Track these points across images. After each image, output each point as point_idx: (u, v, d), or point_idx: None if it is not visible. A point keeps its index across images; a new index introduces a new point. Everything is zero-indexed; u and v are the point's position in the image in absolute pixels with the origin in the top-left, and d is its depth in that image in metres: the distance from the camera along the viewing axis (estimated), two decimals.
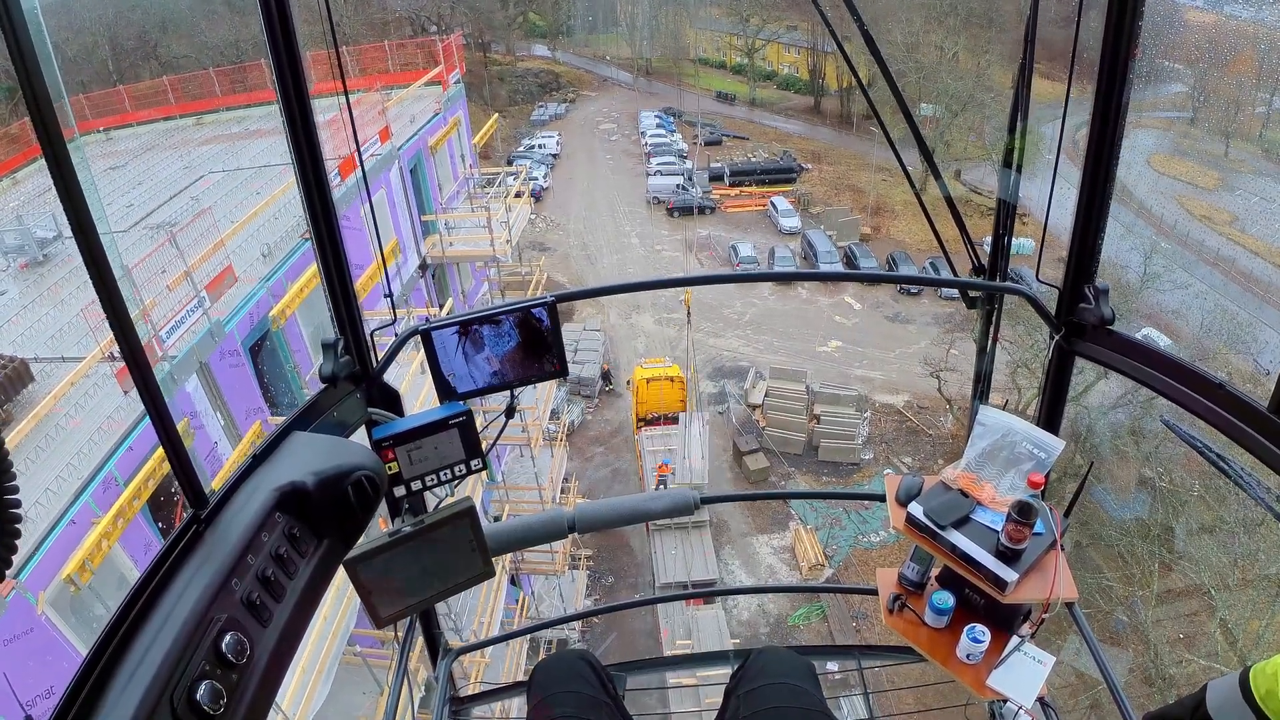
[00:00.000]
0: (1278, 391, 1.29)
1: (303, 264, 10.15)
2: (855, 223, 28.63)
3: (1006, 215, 1.87)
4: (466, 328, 1.50)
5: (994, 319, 2.03)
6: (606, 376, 23.08)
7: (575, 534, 2.03)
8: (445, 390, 1.53)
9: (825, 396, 20.42)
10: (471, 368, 1.53)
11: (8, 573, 0.81)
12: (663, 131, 37.69)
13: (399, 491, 1.48)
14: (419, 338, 1.52)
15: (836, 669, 3.91)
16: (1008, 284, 1.90)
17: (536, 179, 15.25)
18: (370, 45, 17.17)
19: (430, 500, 1.58)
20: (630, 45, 46.31)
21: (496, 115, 17.72)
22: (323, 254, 1.51)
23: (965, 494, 1.86)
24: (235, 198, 11.46)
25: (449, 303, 13.65)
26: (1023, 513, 1.68)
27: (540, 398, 14.79)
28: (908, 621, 1.99)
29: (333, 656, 8.05)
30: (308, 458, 1.28)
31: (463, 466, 1.53)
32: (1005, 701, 1.84)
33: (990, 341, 2.06)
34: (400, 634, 2.25)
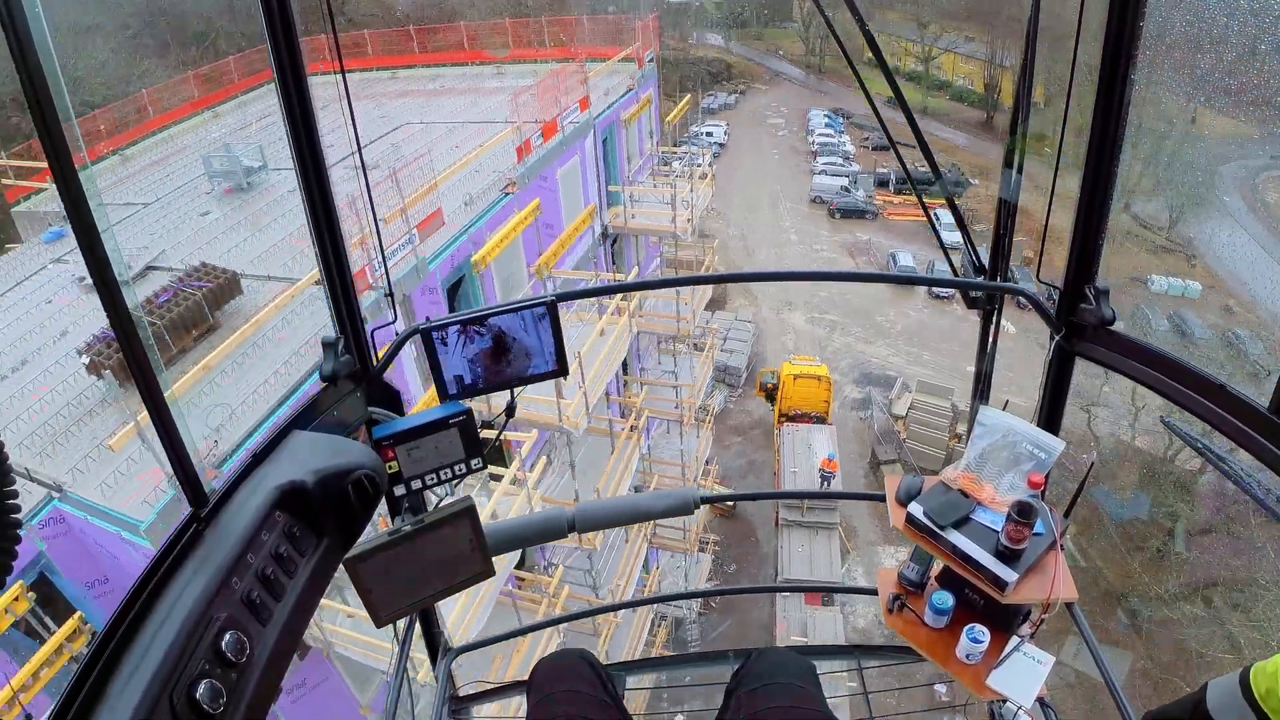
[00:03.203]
0: (1278, 391, 1.29)
1: (500, 217, 10.83)
2: (1018, 245, 27.41)
3: (1007, 215, 1.87)
4: (466, 327, 1.50)
5: (994, 319, 2.03)
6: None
7: (576, 533, 2.03)
8: (445, 390, 1.54)
9: (969, 417, 19.83)
10: (471, 367, 1.53)
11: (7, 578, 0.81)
12: (830, 131, 37.10)
13: (399, 490, 1.48)
14: (419, 337, 1.52)
15: (836, 669, 3.91)
16: (1008, 284, 1.89)
17: (701, 165, 15.94)
18: (568, 18, 17.83)
19: (430, 499, 1.58)
20: (804, 41, 45.70)
21: (689, 96, 18.11)
22: (323, 252, 1.51)
23: (965, 494, 1.86)
24: (435, 149, 11.82)
25: (634, 271, 14.89)
26: (1022, 513, 1.68)
27: (698, 376, 15.34)
28: (907, 621, 1.99)
29: (494, 590, 8.70)
30: (308, 457, 1.28)
31: (463, 466, 1.53)
32: (1005, 702, 1.84)
33: (990, 342, 2.06)
34: (400, 633, 2.25)
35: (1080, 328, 1.72)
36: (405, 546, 1.48)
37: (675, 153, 17.18)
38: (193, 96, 17.03)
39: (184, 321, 8.57)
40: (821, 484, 16.60)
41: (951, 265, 2.08)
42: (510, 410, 1.64)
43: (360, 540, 1.39)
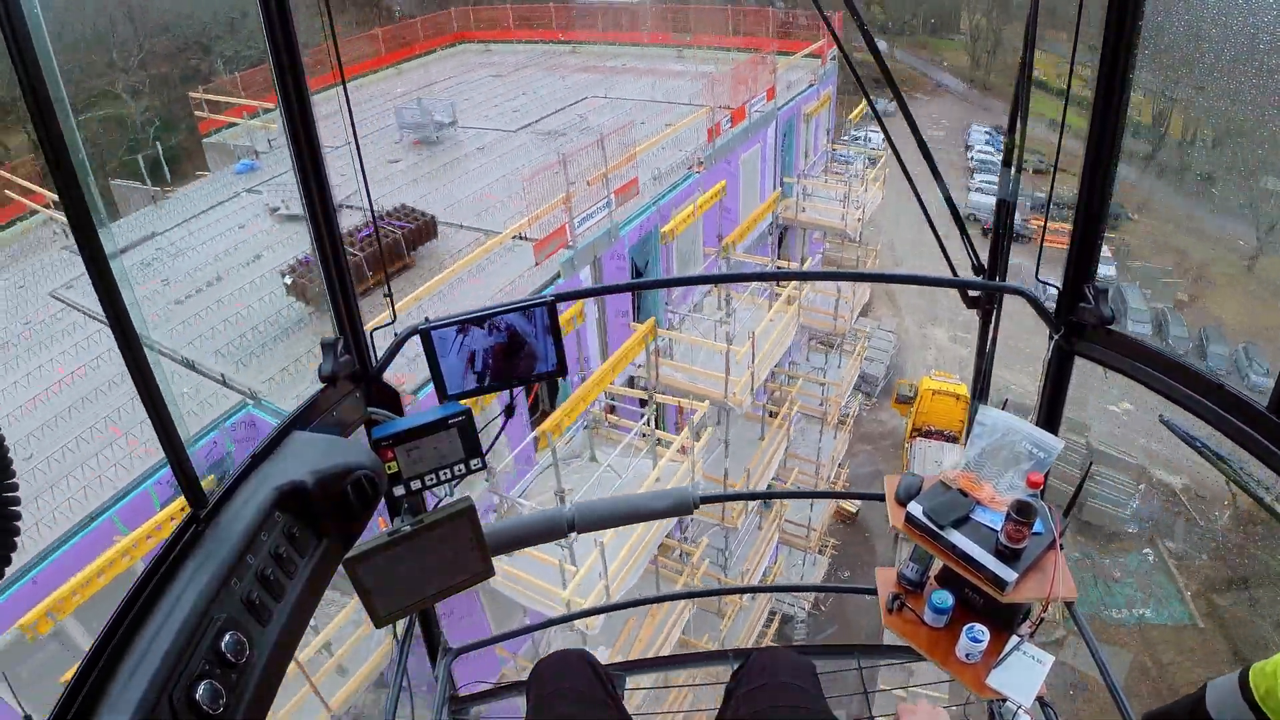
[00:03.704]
0: (1277, 391, 1.29)
1: (685, 194, 11.29)
2: (1172, 287, 26.83)
3: (1006, 215, 1.87)
4: (466, 327, 1.50)
5: (993, 319, 2.03)
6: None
7: (575, 533, 2.03)
8: (444, 390, 1.53)
9: (1103, 456, 19.51)
10: (471, 367, 1.53)
11: (7, 571, 0.81)
12: (991, 149, 35.60)
13: (398, 491, 1.48)
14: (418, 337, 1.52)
15: (836, 669, 3.91)
16: (1008, 284, 1.90)
17: (875, 168, 16.19)
18: (753, 9, 18.29)
19: (430, 499, 1.58)
20: (969, 54, 44.43)
21: (865, 100, 18.28)
22: (322, 252, 1.51)
23: (965, 493, 1.87)
24: (619, 123, 12.16)
25: (807, 261, 15.41)
26: (1022, 512, 1.68)
27: (845, 377, 15.61)
28: (907, 621, 1.99)
29: (647, 554, 9.03)
30: (307, 457, 1.28)
31: (462, 466, 1.53)
32: (1004, 701, 1.84)
33: (990, 342, 2.06)
34: (399, 633, 2.25)
35: (1080, 327, 1.72)
36: (405, 547, 1.48)
37: (852, 151, 17.32)
38: (379, 53, 18.38)
39: (380, 257, 9.12)
40: None
41: (951, 265, 2.08)
42: (510, 410, 1.64)
43: (360, 540, 1.39)
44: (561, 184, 9.08)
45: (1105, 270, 26.85)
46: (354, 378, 1.61)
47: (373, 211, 1.66)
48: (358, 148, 1.52)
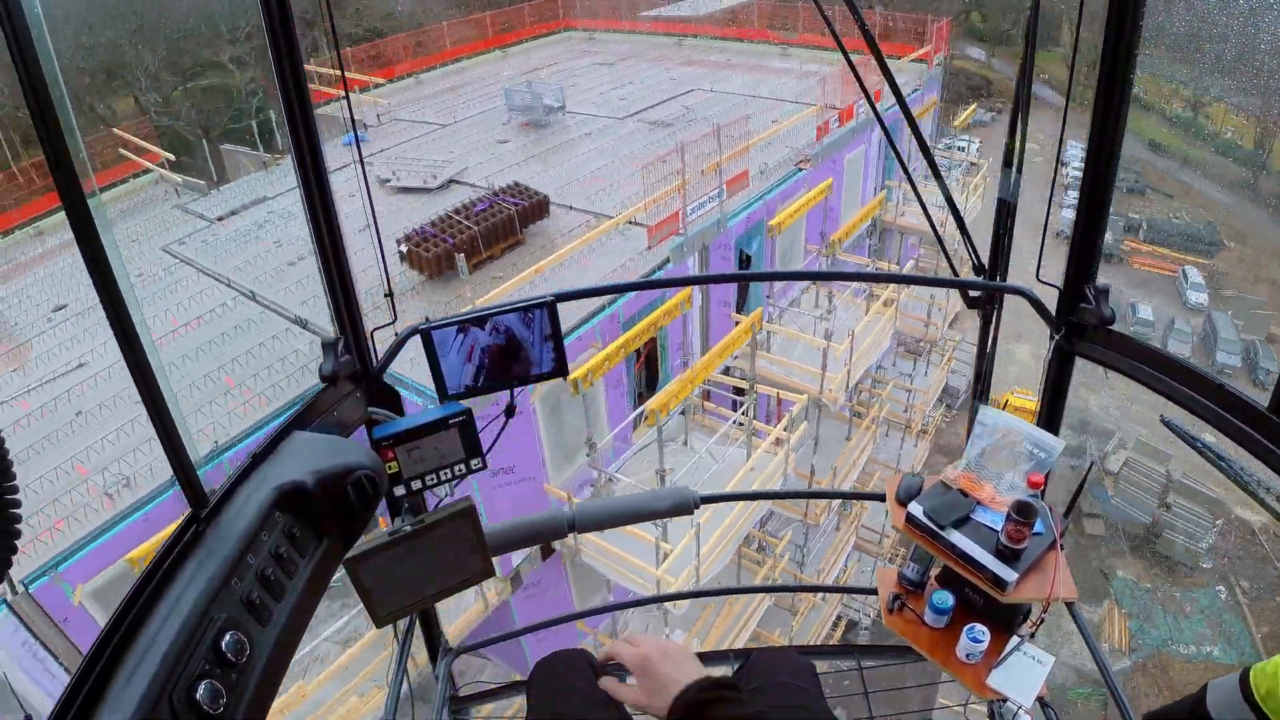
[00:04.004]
0: (1277, 391, 1.29)
1: (791, 190, 11.49)
2: (1265, 319, 25.90)
3: (1007, 215, 1.87)
4: (466, 327, 1.50)
5: (994, 319, 2.03)
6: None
7: (575, 533, 2.03)
8: (444, 390, 1.53)
9: (1182, 488, 19.20)
10: (471, 367, 1.53)
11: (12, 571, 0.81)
12: None
13: (399, 491, 1.48)
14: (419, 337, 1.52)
15: (836, 669, 3.92)
16: (1008, 284, 1.89)
17: (976, 177, 16.26)
18: (865, 10, 18.24)
19: (430, 499, 1.58)
20: (1068, 68, 43.14)
21: (974, 105, 18.33)
22: (322, 251, 1.51)
23: (965, 493, 1.86)
24: (724, 116, 12.36)
25: (908, 265, 15.35)
26: (1022, 512, 1.68)
27: (932, 385, 15.62)
28: (907, 621, 1.99)
29: (736, 539, 9.28)
30: (307, 457, 1.28)
31: (462, 466, 1.53)
32: (1005, 701, 1.84)
33: (990, 342, 2.06)
34: (399, 633, 2.25)
35: (1080, 327, 1.72)
36: (405, 546, 1.48)
37: (955, 159, 17.35)
38: (485, 35, 19.24)
39: (496, 232, 9.60)
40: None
41: (951, 265, 2.08)
42: (510, 411, 1.64)
43: (360, 540, 1.39)
44: (677, 171, 9.43)
45: (1197, 297, 26.32)
46: (354, 378, 1.61)
47: (372, 216, 1.66)
48: (357, 145, 1.52)
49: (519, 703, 2.12)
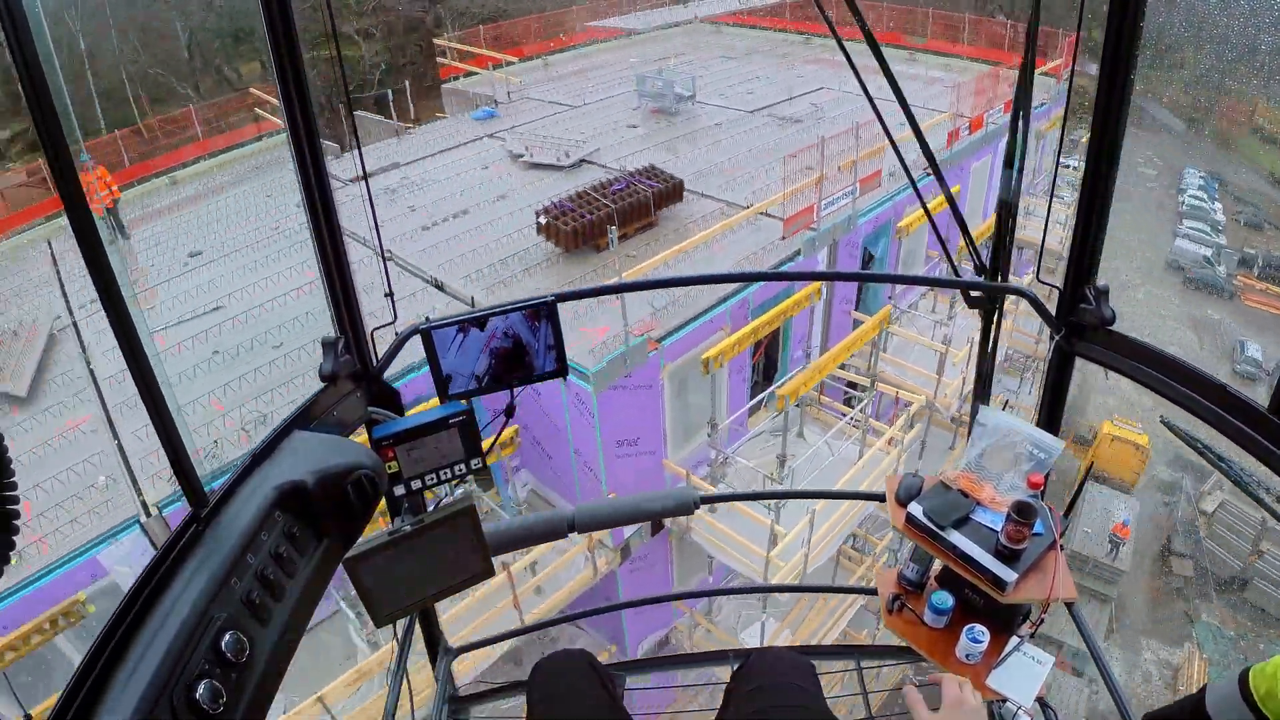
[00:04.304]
0: (1277, 392, 1.29)
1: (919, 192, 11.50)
2: None
3: (1007, 215, 1.87)
4: (466, 327, 1.50)
5: (995, 320, 2.03)
6: None
7: (575, 533, 2.03)
8: (444, 389, 1.53)
9: (1277, 536, 18.69)
10: (471, 367, 1.53)
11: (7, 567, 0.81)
12: (1204, 195, 32.96)
13: (399, 491, 1.48)
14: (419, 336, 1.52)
15: (836, 669, 3.91)
16: (1008, 284, 1.89)
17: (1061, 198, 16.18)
18: (988, 20, 18.35)
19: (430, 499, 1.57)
20: (1186, 92, 41.87)
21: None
22: (322, 251, 1.51)
23: (965, 494, 1.86)
24: (854, 118, 12.48)
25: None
26: (1022, 513, 1.68)
27: (1034, 404, 15.07)
28: (907, 621, 1.99)
29: (845, 531, 9.50)
30: (307, 457, 1.28)
31: (463, 466, 1.53)
32: (1004, 702, 1.84)
33: (991, 342, 2.06)
34: (399, 633, 2.25)
35: (1080, 328, 1.72)
36: (405, 546, 1.48)
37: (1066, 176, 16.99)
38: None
39: (632, 212, 9.92)
40: (1111, 549, 15.88)
41: (952, 265, 2.08)
42: (509, 411, 1.64)
43: (360, 540, 1.39)
44: (815, 166, 9.64)
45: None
46: (355, 377, 1.61)
47: (373, 216, 1.65)
48: (355, 136, 1.51)
49: (519, 703, 2.12)
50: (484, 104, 15.62)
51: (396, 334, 1.64)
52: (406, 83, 19.25)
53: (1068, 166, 15.33)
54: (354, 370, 1.60)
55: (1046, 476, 1.79)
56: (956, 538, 1.79)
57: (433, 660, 2.40)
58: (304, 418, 1.41)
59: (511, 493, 9.12)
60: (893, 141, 1.83)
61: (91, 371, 8.61)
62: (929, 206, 1.82)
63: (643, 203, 9.98)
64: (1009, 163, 1.77)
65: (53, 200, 14.27)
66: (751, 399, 10.13)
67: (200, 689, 0.89)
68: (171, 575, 1.01)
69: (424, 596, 1.56)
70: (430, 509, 1.54)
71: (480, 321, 1.50)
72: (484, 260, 9.77)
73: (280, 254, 10.48)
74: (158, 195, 13.57)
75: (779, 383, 9.98)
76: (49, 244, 12.21)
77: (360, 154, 1.52)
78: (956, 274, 1.98)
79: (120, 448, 7.35)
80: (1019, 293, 1.82)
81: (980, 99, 12.84)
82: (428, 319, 1.51)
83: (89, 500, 6.97)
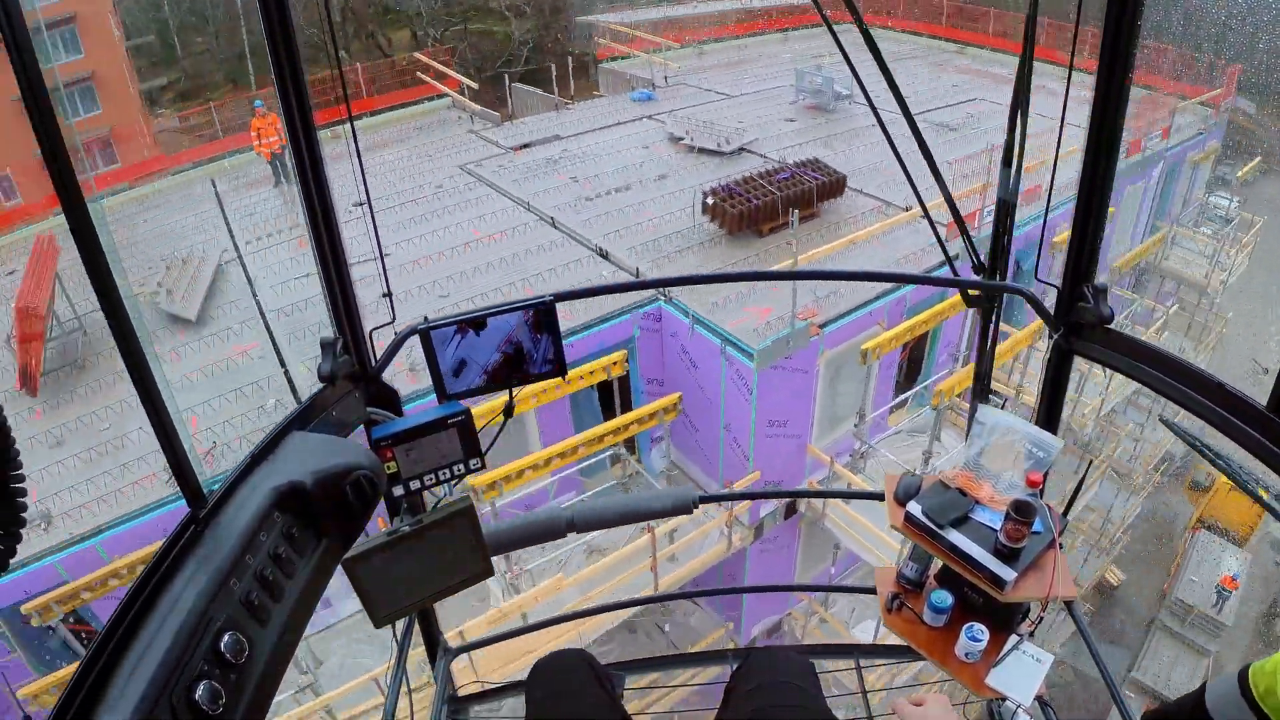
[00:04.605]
0: (1277, 391, 1.29)
1: (1069, 213, 11.34)
2: None
3: (1006, 214, 1.87)
4: (465, 327, 1.50)
5: (994, 318, 2.03)
6: None
7: (575, 533, 2.03)
8: (443, 390, 1.53)
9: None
10: (470, 367, 1.53)
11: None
12: None
13: (398, 491, 1.48)
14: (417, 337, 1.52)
15: (836, 668, 3.92)
16: (1008, 284, 1.90)
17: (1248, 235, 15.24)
18: (1150, 44, 17.81)
19: (429, 499, 1.57)
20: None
21: (1258, 158, 18.14)
22: (321, 252, 1.51)
23: (964, 492, 1.87)
24: (1003, 127, 12.38)
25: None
26: (1021, 511, 1.68)
27: (1162, 441, 14.84)
28: (906, 620, 1.99)
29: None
30: (306, 457, 1.28)
31: (461, 466, 1.53)
32: (1004, 700, 1.84)
33: (990, 341, 2.06)
34: (399, 633, 2.25)
35: (1079, 326, 1.72)
36: (404, 547, 1.48)
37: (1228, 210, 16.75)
38: (768, 16, 20.37)
39: (795, 201, 9.96)
40: (1216, 601, 15.49)
41: (951, 264, 2.08)
42: (509, 411, 1.64)
43: (359, 541, 1.39)
44: (981, 172, 9.69)
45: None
46: (353, 377, 1.61)
47: (371, 216, 1.65)
48: (354, 136, 1.51)
49: (519, 703, 2.12)
50: (641, 86, 16.09)
51: (395, 334, 1.64)
52: (569, 59, 19.96)
53: (1225, 202, 14.99)
54: (352, 370, 1.60)
55: (1045, 475, 1.80)
56: (955, 536, 1.79)
57: (432, 660, 2.40)
58: (303, 418, 1.41)
59: (650, 462, 9.26)
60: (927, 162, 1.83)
61: (258, 303, 9.40)
62: (959, 212, 1.82)
63: (806, 193, 10.17)
64: (1006, 161, 1.77)
65: (212, 144, 16.21)
66: (896, 396, 10.21)
67: (200, 690, 0.89)
68: (171, 576, 1.01)
69: (423, 597, 1.56)
70: (429, 509, 1.54)
71: (479, 322, 1.50)
72: (646, 235, 10.05)
73: (445, 210, 11.16)
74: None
75: (930, 379, 10.03)
76: (213, 182, 13.58)
77: (355, 138, 1.52)
78: (956, 273, 1.98)
79: (287, 375, 7.98)
80: (1018, 291, 1.82)
81: (1139, 123, 12.58)
82: (426, 319, 1.51)
83: (258, 422, 7.51)
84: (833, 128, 13.87)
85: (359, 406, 1.60)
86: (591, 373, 7.86)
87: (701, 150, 12.51)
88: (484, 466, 1.55)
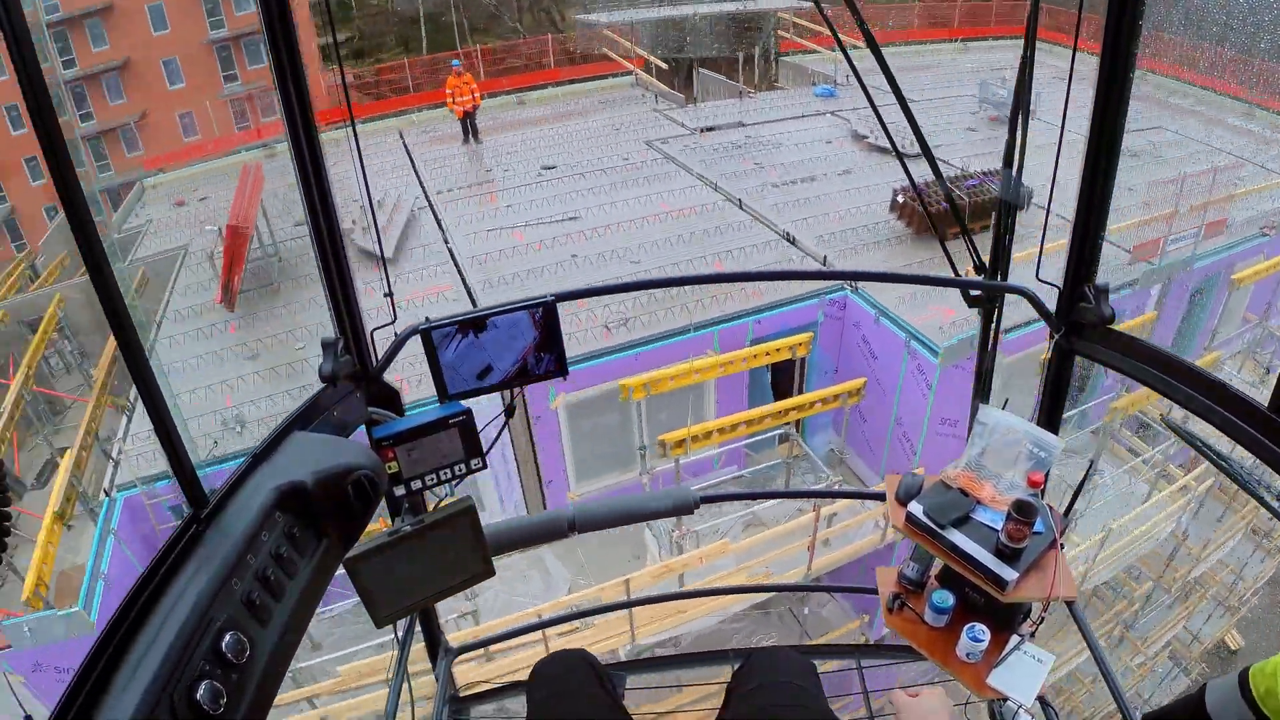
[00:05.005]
0: (1277, 391, 1.29)
1: (1253, 250, 10.87)
2: None
3: (1007, 214, 1.87)
4: (466, 327, 1.50)
5: (995, 318, 2.03)
6: None
7: (575, 533, 2.03)
8: (444, 390, 1.53)
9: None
10: (471, 367, 1.53)
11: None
12: None
13: (399, 491, 1.48)
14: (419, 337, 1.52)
15: (836, 668, 3.91)
16: (1008, 284, 1.90)
17: None
18: None
19: (430, 499, 1.57)
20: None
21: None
22: (322, 252, 1.51)
23: (965, 493, 1.86)
24: (1190, 164, 12.11)
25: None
26: (1022, 511, 1.68)
27: None
28: (907, 620, 1.99)
29: (1134, 552, 9.25)
30: (307, 457, 1.28)
31: (462, 466, 1.53)
32: (1005, 700, 1.84)
33: (991, 341, 2.06)
34: (400, 633, 2.25)
35: (1080, 326, 1.72)
36: (405, 547, 1.48)
37: None
38: (949, 24, 20.65)
39: (981, 209, 10.08)
40: None
41: (952, 264, 2.07)
42: (509, 410, 1.64)
43: (360, 540, 1.39)
44: (1171, 199, 9.62)
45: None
46: (354, 377, 1.61)
47: (371, 215, 1.65)
48: (357, 144, 1.51)
49: (519, 703, 2.12)
50: (823, 82, 16.28)
51: (396, 334, 1.64)
52: (757, 50, 20.16)
53: None
54: (354, 371, 1.60)
55: (1046, 475, 1.79)
56: (957, 536, 1.79)
57: (433, 660, 2.40)
58: (304, 418, 1.41)
59: (814, 446, 9.34)
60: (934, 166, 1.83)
61: (450, 250, 10.10)
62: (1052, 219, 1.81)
63: (989, 203, 10.12)
64: (1007, 162, 1.77)
65: (383, 102, 17.66)
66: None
67: (201, 689, 0.89)
68: (172, 576, 1.01)
69: (424, 597, 1.56)
70: (430, 509, 1.54)
71: (480, 322, 1.50)
72: (833, 226, 10.13)
73: (633, 182, 11.67)
74: (505, 111, 15.57)
75: (1097, 399, 9.99)
76: (400, 134, 14.77)
77: (355, 136, 1.52)
78: (956, 273, 1.98)
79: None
80: (1019, 291, 1.82)
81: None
82: (428, 319, 1.51)
83: None
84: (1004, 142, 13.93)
85: (360, 406, 1.60)
86: (777, 350, 8.12)
87: (884, 150, 12.50)
88: (485, 466, 1.55)
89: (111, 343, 9.10)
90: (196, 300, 9.79)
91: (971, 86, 15.35)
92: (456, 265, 9.77)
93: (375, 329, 1.65)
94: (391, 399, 1.67)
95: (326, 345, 1.54)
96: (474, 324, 1.50)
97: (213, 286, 9.74)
